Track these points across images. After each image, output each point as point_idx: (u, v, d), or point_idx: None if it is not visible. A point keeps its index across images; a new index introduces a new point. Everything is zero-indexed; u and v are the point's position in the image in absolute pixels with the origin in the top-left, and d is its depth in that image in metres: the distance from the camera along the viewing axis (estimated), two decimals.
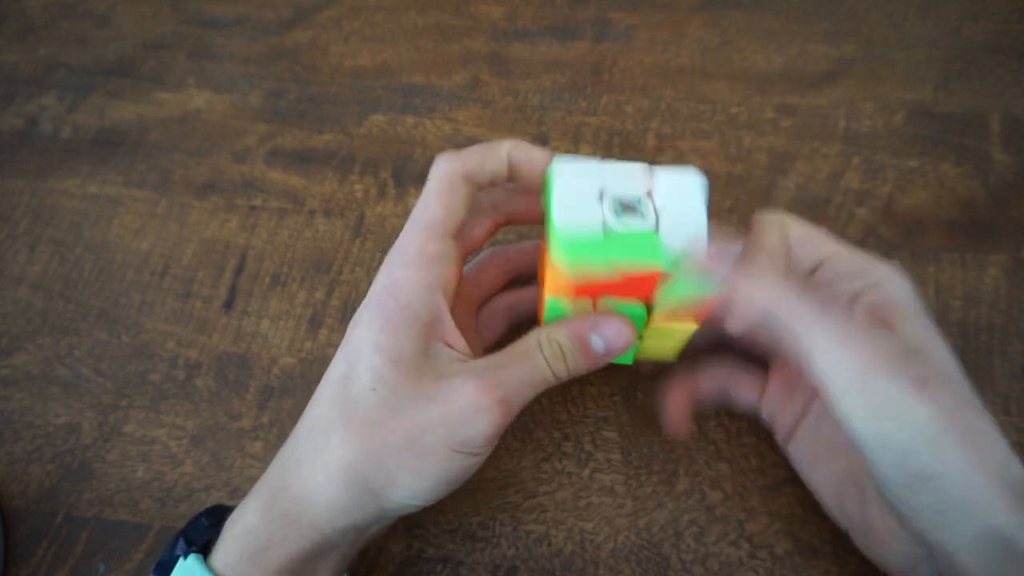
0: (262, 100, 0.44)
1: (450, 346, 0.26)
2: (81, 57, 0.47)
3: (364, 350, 0.25)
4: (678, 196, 0.26)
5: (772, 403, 0.30)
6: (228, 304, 0.37)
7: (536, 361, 0.26)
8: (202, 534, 0.25)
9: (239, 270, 0.38)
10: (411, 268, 0.26)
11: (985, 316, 0.34)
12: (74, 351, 0.36)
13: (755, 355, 0.31)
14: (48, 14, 0.49)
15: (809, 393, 0.29)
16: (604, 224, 0.25)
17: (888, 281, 0.26)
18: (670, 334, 0.28)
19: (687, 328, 0.27)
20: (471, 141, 0.41)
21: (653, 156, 0.40)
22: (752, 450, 0.32)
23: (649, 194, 0.26)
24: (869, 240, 0.37)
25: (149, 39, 0.47)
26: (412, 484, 0.24)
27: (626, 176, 0.27)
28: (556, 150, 0.41)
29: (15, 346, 0.36)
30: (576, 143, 0.41)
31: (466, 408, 0.24)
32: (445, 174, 0.27)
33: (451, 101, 0.43)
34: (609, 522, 0.31)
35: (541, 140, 0.41)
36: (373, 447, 0.24)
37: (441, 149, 0.41)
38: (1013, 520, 0.21)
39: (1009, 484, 0.22)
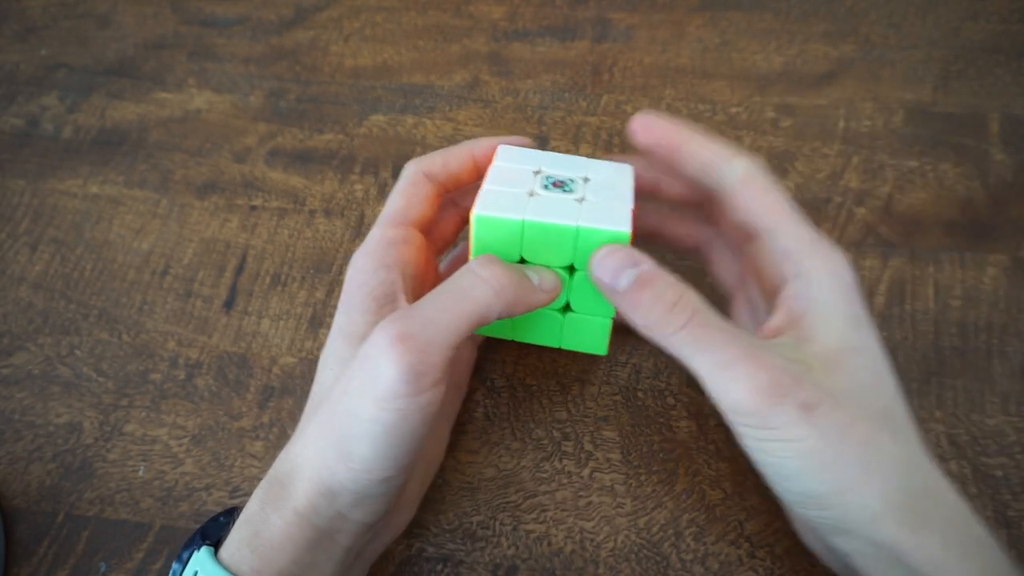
0: (262, 100, 0.44)
1: None
2: (82, 57, 0.47)
3: (331, 337, 0.27)
4: (610, 183, 0.28)
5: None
6: (228, 304, 0.37)
7: (456, 281, 0.24)
8: (218, 530, 0.26)
9: (239, 270, 0.38)
10: (369, 253, 0.27)
11: (984, 316, 0.34)
12: (75, 351, 0.36)
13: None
14: (49, 14, 0.49)
15: None
16: (530, 193, 0.27)
17: (817, 274, 0.25)
18: (596, 289, 0.27)
19: (604, 321, 0.28)
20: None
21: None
22: None
23: (584, 179, 0.28)
24: (869, 240, 0.37)
25: (150, 39, 0.47)
26: (356, 451, 0.23)
27: (566, 163, 0.29)
28: (556, 150, 0.41)
29: (16, 346, 0.36)
30: (576, 143, 0.41)
31: (372, 355, 0.22)
32: (408, 174, 0.29)
33: (451, 101, 0.43)
34: (609, 521, 0.31)
35: (541, 140, 0.41)
36: (323, 420, 0.24)
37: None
38: (898, 535, 0.22)
39: (900, 498, 0.22)
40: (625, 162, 0.30)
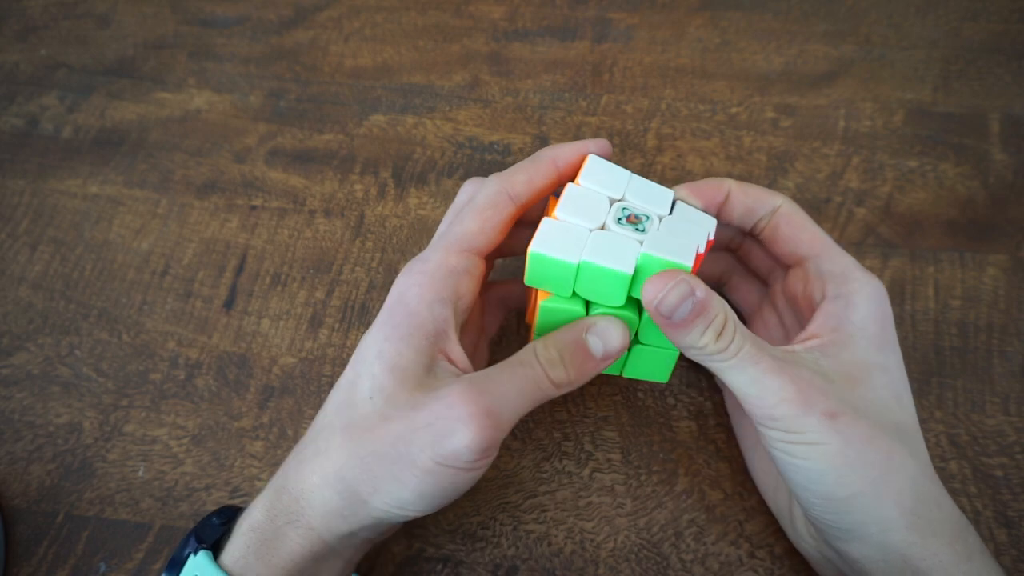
0: (262, 100, 0.44)
1: (452, 361, 0.26)
2: (82, 57, 0.47)
3: (368, 358, 0.25)
4: (682, 227, 0.26)
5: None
6: (228, 304, 0.37)
7: (532, 369, 0.25)
8: (213, 532, 0.26)
9: (239, 270, 0.38)
10: (427, 277, 0.26)
11: (984, 316, 0.34)
12: (75, 351, 0.36)
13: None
14: (49, 14, 0.49)
15: None
16: (602, 226, 0.26)
17: (855, 296, 0.26)
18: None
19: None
20: (471, 141, 0.41)
21: (653, 156, 0.40)
22: None
23: (660, 217, 0.26)
24: (869, 240, 0.37)
25: (150, 39, 0.47)
26: (396, 494, 0.24)
27: (649, 193, 0.27)
28: None
29: (16, 346, 0.36)
30: None
31: (449, 417, 0.23)
32: (492, 193, 0.27)
33: (451, 101, 0.43)
34: (609, 522, 0.31)
35: (541, 140, 0.41)
36: (363, 455, 0.24)
37: (441, 149, 0.41)
38: (908, 539, 0.23)
39: (912, 506, 0.23)
40: (710, 215, 0.28)
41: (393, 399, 0.24)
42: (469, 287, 0.26)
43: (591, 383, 0.34)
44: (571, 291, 0.26)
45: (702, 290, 0.24)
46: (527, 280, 0.26)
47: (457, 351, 0.26)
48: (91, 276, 0.38)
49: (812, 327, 0.27)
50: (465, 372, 0.26)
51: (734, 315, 0.25)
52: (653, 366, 0.29)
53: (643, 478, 0.32)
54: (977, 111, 0.40)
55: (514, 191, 0.27)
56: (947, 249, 0.36)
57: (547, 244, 0.25)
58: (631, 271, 0.24)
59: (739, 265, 0.33)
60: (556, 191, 0.28)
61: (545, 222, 0.25)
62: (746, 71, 0.43)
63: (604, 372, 0.28)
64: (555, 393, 0.26)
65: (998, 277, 0.35)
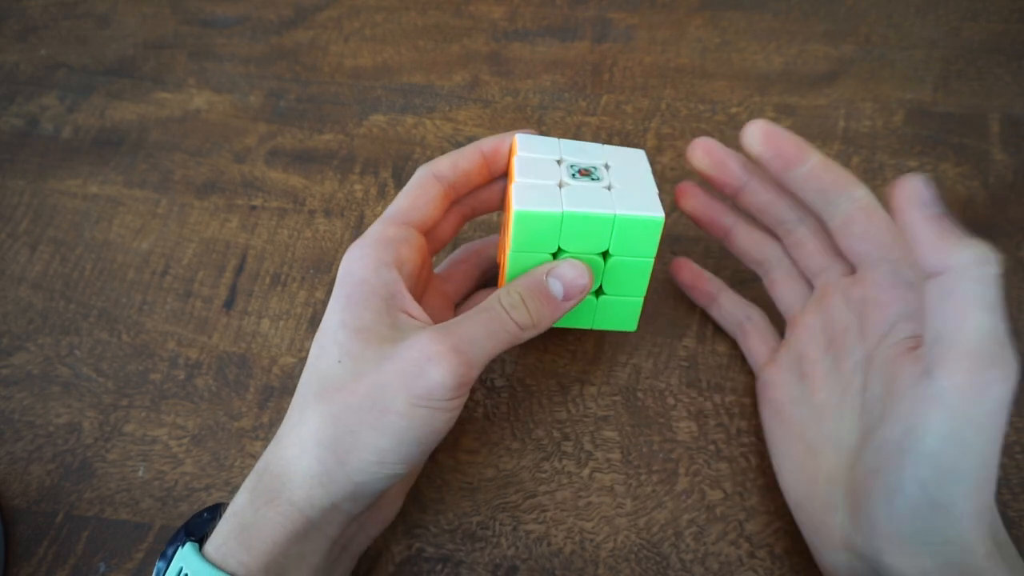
0: (262, 100, 0.44)
1: (412, 316, 0.26)
2: (81, 57, 0.47)
3: (330, 328, 0.26)
4: (629, 168, 0.29)
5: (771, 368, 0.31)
6: (228, 304, 0.37)
7: (494, 312, 0.26)
8: (202, 527, 0.26)
9: (239, 270, 0.38)
10: (368, 248, 0.27)
11: None
12: (75, 351, 0.36)
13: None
14: (49, 14, 0.49)
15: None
16: (559, 184, 0.27)
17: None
18: (629, 272, 0.29)
19: (645, 263, 0.29)
20: (471, 141, 0.41)
21: (653, 156, 0.40)
22: (752, 450, 0.32)
23: (605, 165, 0.29)
24: None
25: (149, 39, 0.47)
26: (373, 443, 0.24)
27: (584, 150, 0.30)
28: None
29: (16, 346, 0.36)
30: None
31: (419, 358, 0.24)
32: (417, 176, 0.29)
33: (451, 101, 0.43)
34: (609, 522, 0.31)
35: None
36: (336, 412, 0.24)
37: (441, 149, 0.41)
38: (987, 568, 0.22)
39: (988, 516, 0.23)
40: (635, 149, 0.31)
41: (362, 358, 0.25)
42: (409, 254, 0.28)
43: (591, 383, 0.34)
44: (556, 246, 0.27)
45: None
46: (512, 244, 0.27)
47: (415, 308, 0.27)
48: (91, 276, 0.38)
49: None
50: (426, 323, 0.26)
51: None
52: (620, 316, 0.30)
53: (643, 478, 0.32)
54: (977, 111, 0.40)
55: (439, 171, 0.29)
56: None
57: (528, 202, 0.26)
58: (613, 212, 0.27)
59: (785, 257, 0.32)
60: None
61: (516, 185, 0.27)
62: (746, 71, 0.43)
63: (577, 326, 0.30)
64: (522, 336, 0.26)
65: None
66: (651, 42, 0.45)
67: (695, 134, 0.41)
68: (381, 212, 0.39)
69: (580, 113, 0.42)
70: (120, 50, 0.47)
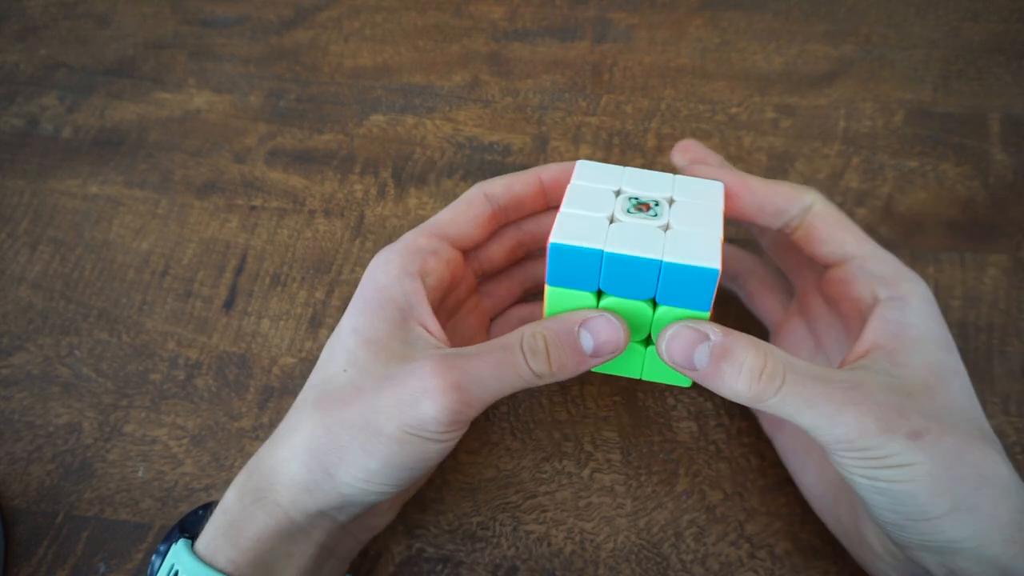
0: (262, 100, 0.44)
1: (428, 330, 0.26)
2: (81, 57, 0.47)
3: (343, 332, 0.26)
4: (698, 206, 0.25)
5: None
6: (228, 304, 0.37)
7: (512, 354, 0.24)
8: (196, 523, 0.26)
9: (239, 270, 0.38)
10: (394, 255, 0.27)
11: (985, 316, 0.34)
12: (74, 351, 0.36)
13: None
14: (48, 14, 0.49)
15: None
16: (611, 218, 0.25)
17: (911, 297, 0.25)
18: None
19: (698, 317, 0.26)
20: (471, 141, 0.41)
21: (653, 156, 0.40)
22: (752, 450, 0.32)
23: (670, 200, 0.26)
24: None
25: (149, 39, 0.47)
26: (362, 463, 0.24)
27: (650, 181, 0.26)
28: (556, 150, 0.41)
29: (15, 346, 0.36)
30: (576, 143, 0.41)
31: (417, 388, 0.23)
32: (468, 192, 0.28)
33: (451, 101, 0.43)
34: (609, 522, 0.31)
35: (541, 140, 0.41)
36: (330, 423, 0.24)
37: (441, 149, 0.41)
38: (1008, 552, 0.22)
39: (1010, 517, 0.22)
40: (714, 180, 0.27)
41: (366, 371, 0.24)
42: (436, 266, 0.27)
43: (591, 383, 0.34)
44: (596, 287, 0.24)
45: (717, 335, 0.23)
46: (548, 279, 0.25)
47: (433, 323, 0.26)
48: (91, 276, 0.38)
49: (869, 335, 0.25)
50: (442, 342, 0.26)
51: (776, 350, 0.23)
52: (672, 370, 0.26)
53: (643, 478, 0.32)
54: (977, 111, 0.40)
55: (491, 191, 0.28)
56: (947, 250, 0.36)
57: (567, 234, 0.24)
58: (660, 257, 0.23)
59: (758, 267, 0.32)
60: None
61: (560, 216, 0.24)
62: (746, 71, 0.43)
63: (623, 375, 0.27)
64: (536, 382, 0.25)
65: (998, 277, 0.35)
66: (651, 42, 0.45)
67: (695, 134, 0.41)
68: (381, 212, 0.40)
69: (580, 113, 0.42)
70: (120, 50, 0.47)
